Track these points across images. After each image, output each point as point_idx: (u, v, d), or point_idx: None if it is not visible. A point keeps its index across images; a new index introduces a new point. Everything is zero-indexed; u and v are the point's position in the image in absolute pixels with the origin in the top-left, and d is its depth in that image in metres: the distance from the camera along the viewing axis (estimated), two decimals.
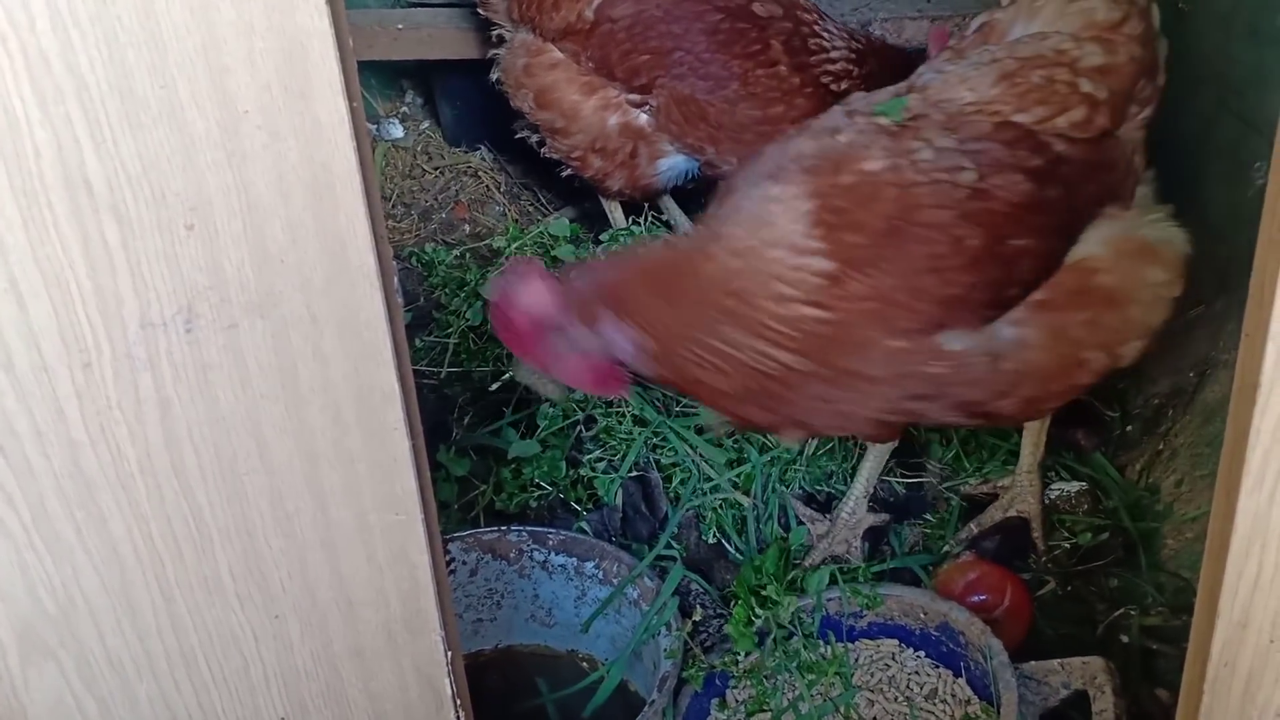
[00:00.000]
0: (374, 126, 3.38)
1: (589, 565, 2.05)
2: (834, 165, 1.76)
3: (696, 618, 1.99)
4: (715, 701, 1.93)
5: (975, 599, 2.01)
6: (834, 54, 2.57)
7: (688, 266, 1.76)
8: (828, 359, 1.74)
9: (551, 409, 2.33)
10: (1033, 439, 2.21)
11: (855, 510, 2.19)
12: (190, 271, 1.06)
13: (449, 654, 1.31)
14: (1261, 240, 1.11)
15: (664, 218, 2.93)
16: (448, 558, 2.03)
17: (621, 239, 2.77)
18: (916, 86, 1.90)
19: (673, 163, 2.71)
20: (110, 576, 1.19)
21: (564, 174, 2.85)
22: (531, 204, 3.16)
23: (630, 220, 2.90)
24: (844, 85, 2.54)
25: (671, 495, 2.25)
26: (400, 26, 3.09)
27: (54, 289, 1.04)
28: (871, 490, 2.22)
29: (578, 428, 2.34)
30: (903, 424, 1.95)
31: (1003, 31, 1.96)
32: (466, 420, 2.45)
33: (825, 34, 2.58)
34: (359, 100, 1.04)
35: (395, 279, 1.13)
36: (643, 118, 2.66)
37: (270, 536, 1.21)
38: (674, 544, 2.17)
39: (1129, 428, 2.43)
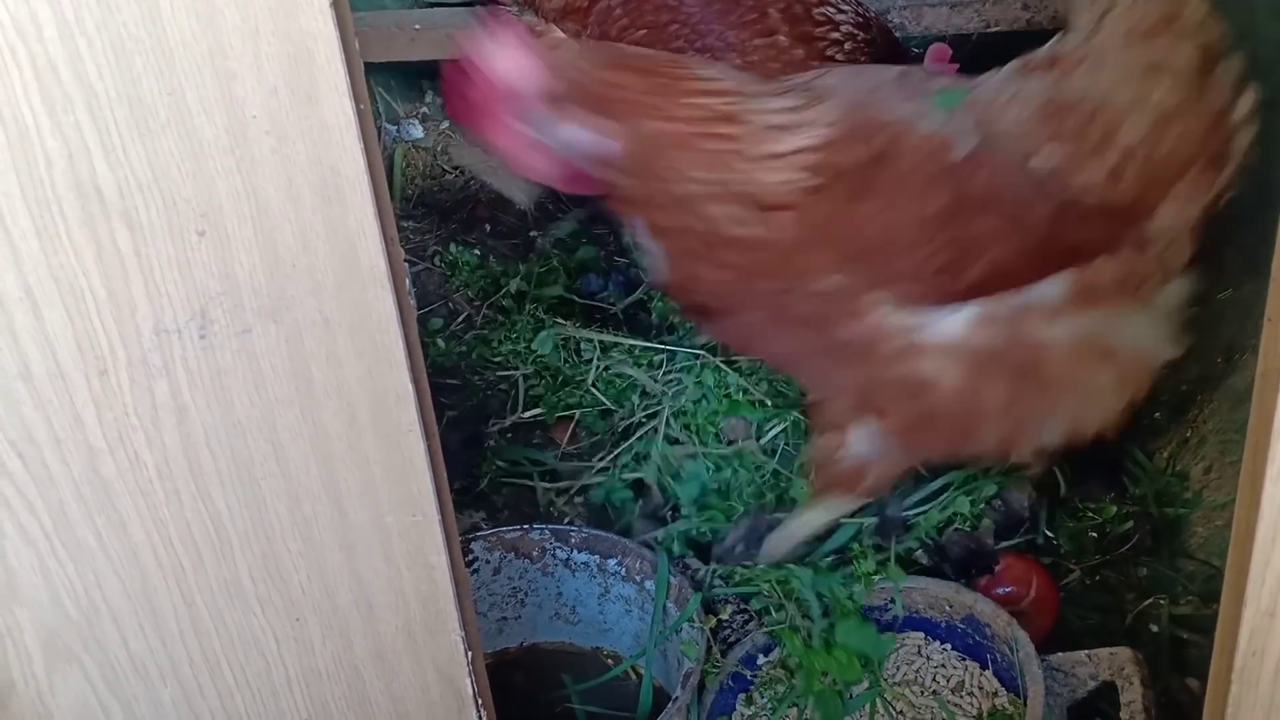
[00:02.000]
0: (394, 127, 3.38)
1: (611, 562, 2.04)
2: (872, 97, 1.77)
3: (724, 616, 1.99)
4: (741, 697, 1.93)
5: (1001, 590, 1.99)
6: (839, 20, 2.53)
7: (696, 90, 1.69)
8: (761, 260, 1.70)
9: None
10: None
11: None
12: (203, 277, 1.07)
13: (469, 654, 1.31)
14: None
15: None
16: (470, 557, 2.03)
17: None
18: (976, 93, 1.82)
19: None
20: (131, 581, 1.20)
21: None
22: (551, 202, 3.15)
23: None
24: (847, 46, 2.50)
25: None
26: (417, 26, 3.08)
27: (68, 297, 1.05)
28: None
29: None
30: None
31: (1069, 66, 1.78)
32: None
33: (831, 4, 2.54)
34: (366, 102, 1.03)
35: (407, 280, 1.13)
36: None
37: (289, 539, 1.21)
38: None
39: (1157, 414, 2.41)
